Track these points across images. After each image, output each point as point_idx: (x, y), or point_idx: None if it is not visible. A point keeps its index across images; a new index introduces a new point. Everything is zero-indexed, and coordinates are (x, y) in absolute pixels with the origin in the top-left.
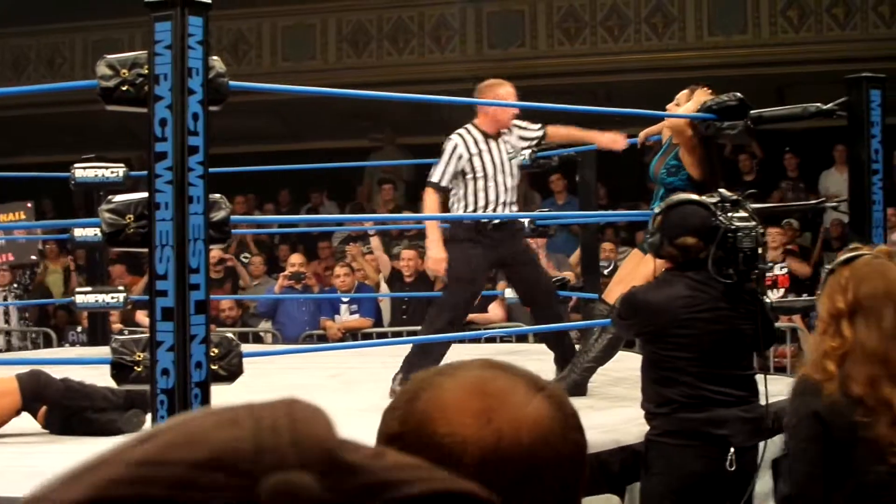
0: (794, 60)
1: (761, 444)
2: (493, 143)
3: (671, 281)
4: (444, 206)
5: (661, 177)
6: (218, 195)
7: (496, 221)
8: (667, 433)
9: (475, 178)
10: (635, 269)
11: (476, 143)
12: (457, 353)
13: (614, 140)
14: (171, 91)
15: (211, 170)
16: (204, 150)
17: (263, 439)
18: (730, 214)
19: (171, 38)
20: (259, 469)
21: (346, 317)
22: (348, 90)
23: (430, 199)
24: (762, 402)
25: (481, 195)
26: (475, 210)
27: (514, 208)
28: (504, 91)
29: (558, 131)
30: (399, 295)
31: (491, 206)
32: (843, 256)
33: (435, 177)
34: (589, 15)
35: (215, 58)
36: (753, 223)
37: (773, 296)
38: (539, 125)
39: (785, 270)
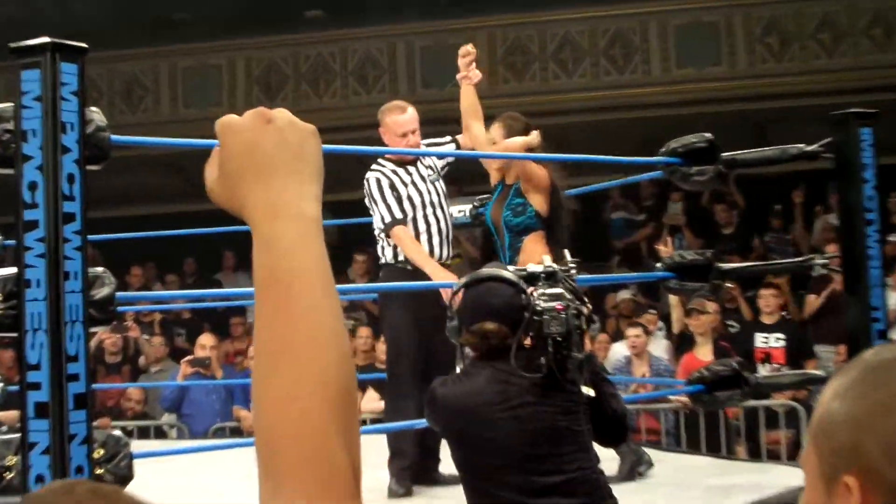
0: (775, 94)
1: None
2: (412, 170)
3: (474, 373)
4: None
5: (507, 220)
6: (100, 269)
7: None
8: None
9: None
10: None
11: (395, 173)
12: None
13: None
14: (41, 149)
15: (100, 236)
16: (81, 217)
17: None
18: (540, 291)
19: (40, 89)
20: None
21: None
22: None
23: (403, 233)
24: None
25: (410, 228)
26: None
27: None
28: (391, 119)
29: (468, 133)
30: None
31: (424, 238)
32: None
33: (387, 215)
34: (538, 47)
35: (95, 109)
36: (564, 303)
37: (764, 371)
38: (447, 138)
39: (781, 343)
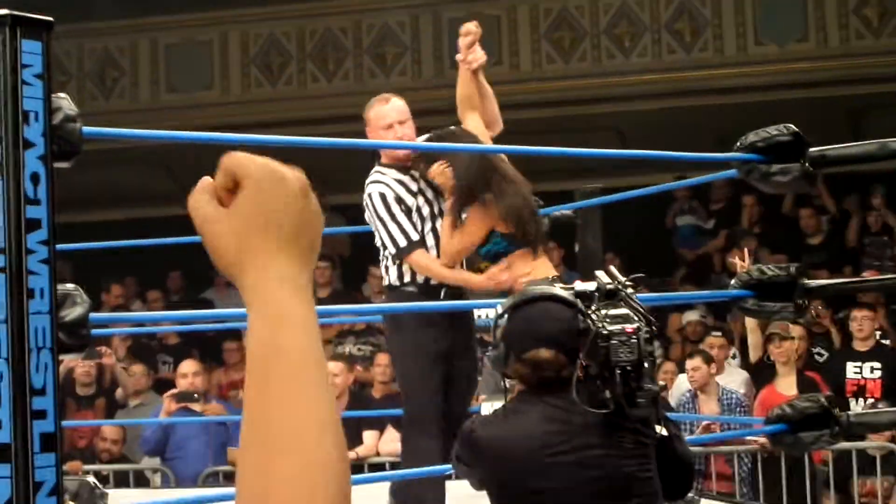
0: (873, 77)
1: None
2: (416, 174)
3: (523, 410)
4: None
5: (478, 251)
6: (71, 286)
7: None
8: None
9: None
10: None
11: (400, 182)
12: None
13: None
14: None
15: (71, 246)
16: (48, 224)
17: None
18: (602, 312)
19: None
20: None
21: None
22: (256, 136)
23: (424, 258)
24: None
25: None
26: (412, 273)
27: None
28: (373, 112)
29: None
30: None
31: (432, 254)
32: None
33: (402, 239)
34: (589, 21)
35: (63, 95)
36: (634, 325)
37: (858, 407)
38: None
39: (877, 374)
